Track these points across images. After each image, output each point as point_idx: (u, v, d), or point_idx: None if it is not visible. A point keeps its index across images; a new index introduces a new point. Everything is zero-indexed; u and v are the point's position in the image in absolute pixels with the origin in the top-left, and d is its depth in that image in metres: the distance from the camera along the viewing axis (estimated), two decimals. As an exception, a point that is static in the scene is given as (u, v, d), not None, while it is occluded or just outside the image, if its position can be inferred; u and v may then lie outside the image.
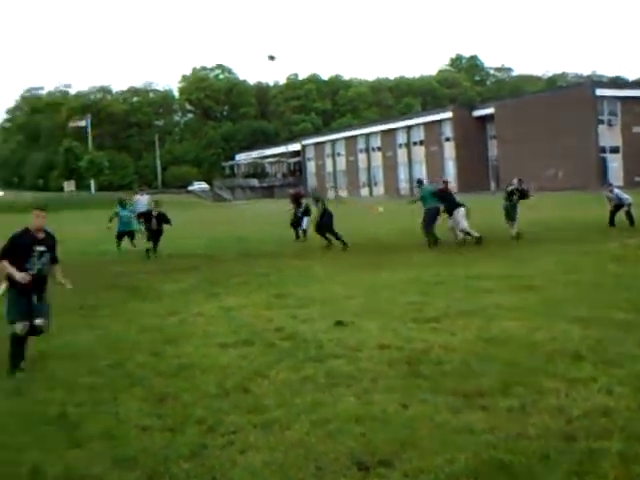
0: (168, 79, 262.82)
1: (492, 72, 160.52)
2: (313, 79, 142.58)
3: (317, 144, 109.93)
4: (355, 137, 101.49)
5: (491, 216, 26.35)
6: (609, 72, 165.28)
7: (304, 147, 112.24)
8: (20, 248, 8.39)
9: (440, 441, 5.51)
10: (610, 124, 70.46)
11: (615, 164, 69.50)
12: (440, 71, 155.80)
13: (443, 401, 6.46)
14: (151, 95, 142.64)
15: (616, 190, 25.16)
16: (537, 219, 27.19)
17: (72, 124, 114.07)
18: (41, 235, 8.54)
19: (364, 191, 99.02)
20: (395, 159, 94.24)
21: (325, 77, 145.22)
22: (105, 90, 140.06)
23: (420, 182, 24.97)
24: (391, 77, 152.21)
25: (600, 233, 22.34)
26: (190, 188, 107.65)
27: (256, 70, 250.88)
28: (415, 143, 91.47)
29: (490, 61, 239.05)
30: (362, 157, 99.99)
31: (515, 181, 23.26)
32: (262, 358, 8.41)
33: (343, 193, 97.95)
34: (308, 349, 8.70)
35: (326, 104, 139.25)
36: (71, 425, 6.42)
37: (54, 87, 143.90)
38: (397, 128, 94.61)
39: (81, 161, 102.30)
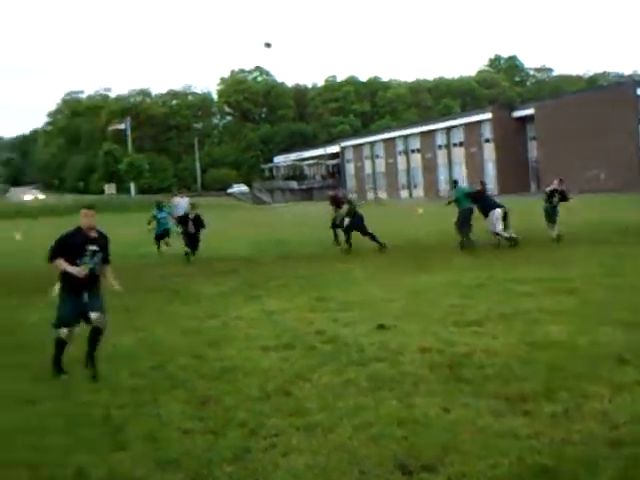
0: (207, 82, 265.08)
1: (532, 72, 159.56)
2: (351, 81, 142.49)
3: (356, 146, 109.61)
4: (394, 139, 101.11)
5: (531, 218, 26.04)
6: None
7: (343, 149, 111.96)
8: (72, 247, 8.30)
9: (483, 445, 5.48)
10: (652, 124, 69.26)
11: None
12: (479, 71, 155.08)
13: (485, 405, 6.42)
14: (190, 98, 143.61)
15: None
16: (577, 221, 26.86)
17: (112, 127, 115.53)
18: (93, 234, 8.47)
19: (404, 193, 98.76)
20: (434, 161, 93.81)
21: (363, 78, 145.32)
22: (144, 93, 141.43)
23: (456, 182, 24.90)
24: (430, 78, 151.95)
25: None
26: (230, 190, 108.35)
27: (294, 72, 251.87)
28: (455, 144, 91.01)
29: (530, 61, 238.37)
30: (401, 159, 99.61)
31: (555, 182, 22.90)
32: (303, 361, 8.42)
33: (382, 195, 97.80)
34: (350, 352, 8.69)
35: (365, 106, 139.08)
36: (115, 427, 6.48)
37: (94, 91, 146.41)
38: (436, 129, 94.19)
39: (121, 164, 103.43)
